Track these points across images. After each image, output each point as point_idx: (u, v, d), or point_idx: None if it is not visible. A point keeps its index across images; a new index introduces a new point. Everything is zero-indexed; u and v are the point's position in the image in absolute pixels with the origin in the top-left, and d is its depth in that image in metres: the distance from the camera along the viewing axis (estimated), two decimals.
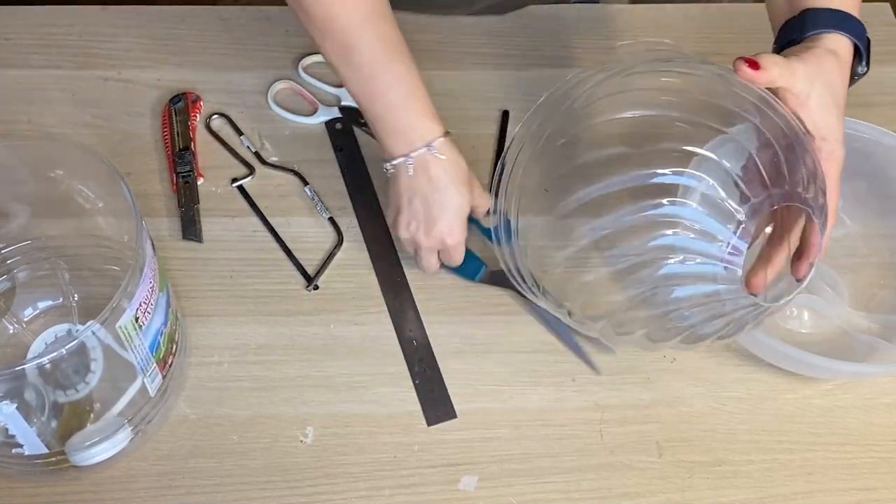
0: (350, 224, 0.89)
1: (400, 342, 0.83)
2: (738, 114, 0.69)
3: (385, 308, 0.84)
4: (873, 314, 0.85)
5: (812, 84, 0.70)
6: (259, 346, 0.82)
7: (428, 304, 0.84)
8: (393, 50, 0.77)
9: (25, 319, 0.79)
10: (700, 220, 0.69)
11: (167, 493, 0.75)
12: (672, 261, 0.70)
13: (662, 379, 0.82)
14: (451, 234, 0.80)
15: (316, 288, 0.85)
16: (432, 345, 0.82)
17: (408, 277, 0.86)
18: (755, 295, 0.71)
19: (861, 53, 0.74)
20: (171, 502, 0.74)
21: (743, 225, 0.68)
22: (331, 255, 0.87)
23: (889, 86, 1.01)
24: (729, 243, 0.68)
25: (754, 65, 0.67)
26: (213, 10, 1.03)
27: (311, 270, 0.86)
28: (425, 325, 0.83)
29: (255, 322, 0.83)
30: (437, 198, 0.78)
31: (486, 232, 0.83)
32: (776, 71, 0.68)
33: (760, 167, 0.68)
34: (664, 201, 0.69)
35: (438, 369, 0.81)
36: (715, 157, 0.69)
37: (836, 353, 0.80)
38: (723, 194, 0.69)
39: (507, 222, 0.76)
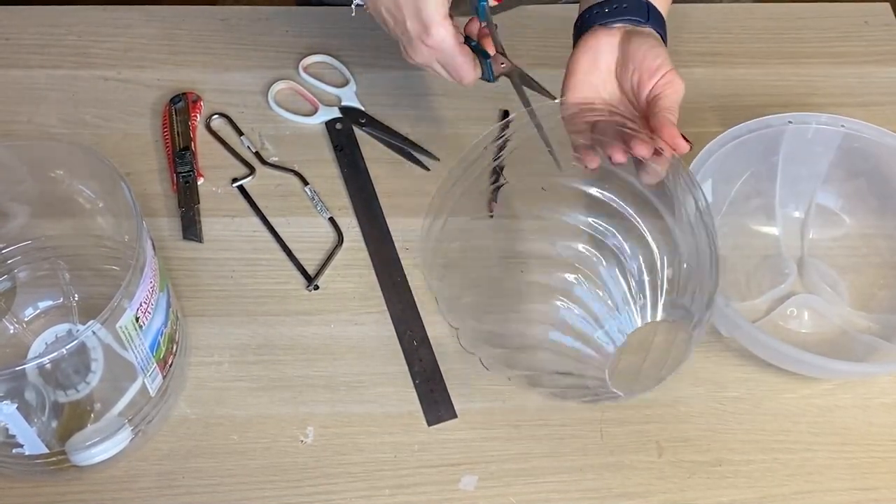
0: (350, 224, 0.89)
1: (400, 342, 0.83)
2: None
3: (385, 308, 0.84)
4: (873, 314, 0.85)
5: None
6: (259, 346, 0.82)
7: (428, 304, 0.84)
8: None
9: (26, 319, 0.79)
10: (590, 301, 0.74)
11: (167, 493, 0.75)
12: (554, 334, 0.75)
13: None
14: (426, 34, 0.75)
15: (316, 288, 0.85)
16: (432, 345, 0.82)
17: (408, 277, 0.86)
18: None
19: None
20: (172, 502, 0.74)
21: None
22: (331, 255, 0.87)
23: (889, 86, 1.02)
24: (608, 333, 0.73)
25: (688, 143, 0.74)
26: (213, 10, 1.03)
27: (311, 270, 0.86)
28: (425, 325, 0.83)
29: (255, 322, 0.83)
30: (403, 4, 0.75)
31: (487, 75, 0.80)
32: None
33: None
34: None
35: (438, 369, 0.81)
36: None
37: (836, 353, 0.80)
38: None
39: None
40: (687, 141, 0.74)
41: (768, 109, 0.88)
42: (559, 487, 0.76)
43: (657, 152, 0.73)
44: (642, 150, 0.72)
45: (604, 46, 0.79)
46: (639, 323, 0.72)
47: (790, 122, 0.87)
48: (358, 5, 0.79)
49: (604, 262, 0.75)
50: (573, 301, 0.75)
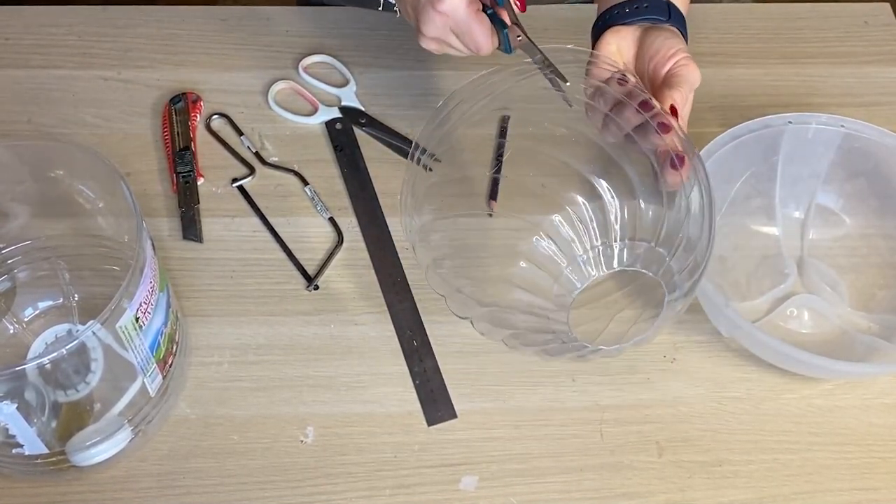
0: (350, 224, 0.89)
1: (400, 342, 0.83)
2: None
3: (385, 308, 0.84)
4: (873, 314, 0.85)
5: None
6: (259, 346, 0.82)
7: (428, 304, 0.84)
8: None
9: (25, 319, 0.79)
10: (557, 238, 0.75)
11: (167, 493, 0.75)
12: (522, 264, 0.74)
13: (662, 379, 0.82)
14: (435, 3, 0.72)
15: (316, 288, 0.85)
16: (432, 345, 0.82)
17: (408, 277, 0.86)
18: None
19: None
20: (172, 502, 0.74)
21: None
22: (331, 255, 0.87)
23: (889, 86, 1.02)
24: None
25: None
26: (213, 10, 1.03)
27: (311, 270, 0.86)
28: (425, 325, 0.83)
29: (255, 322, 0.83)
30: None
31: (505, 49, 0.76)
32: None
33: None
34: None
35: (438, 369, 0.81)
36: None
37: (836, 353, 0.80)
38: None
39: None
40: (674, 114, 0.73)
41: (768, 109, 0.88)
42: (559, 488, 0.76)
43: (676, 163, 0.72)
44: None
45: (624, 42, 0.79)
46: (607, 267, 0.73)
47: (790, 122, 0.87)
48: (390, 4, 0.76)
49: (579, 201, 0.75)
50: (545, 235, 0.74)
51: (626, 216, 0.74)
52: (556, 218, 0.74)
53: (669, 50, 0.77)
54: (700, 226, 0.71)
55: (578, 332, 0.72)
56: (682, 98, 0.75)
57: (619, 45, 0.79)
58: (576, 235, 0.74)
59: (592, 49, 0.80)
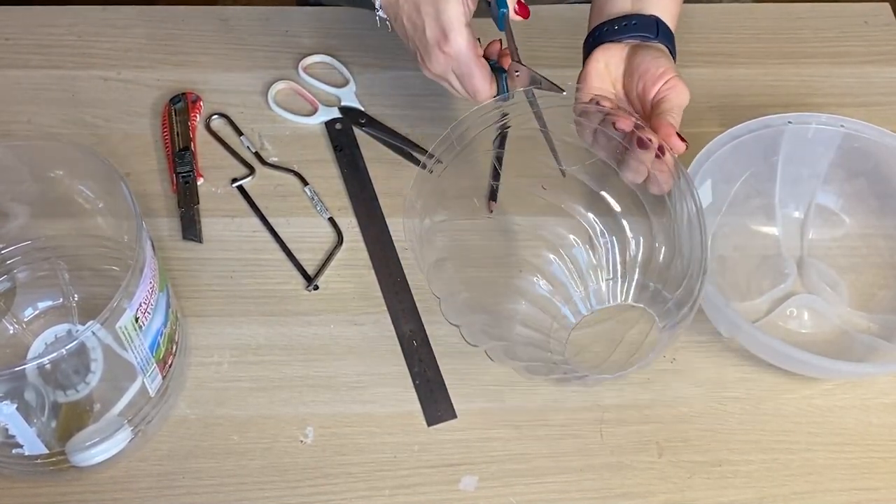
0: (350, 224, 0.89)
1: (400, 342, 0.83)
2: None
3: (385, 308, 0.84)
4: (873, 314, 0.85)
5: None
6: (259, 346, 0.82)
7: (428, 304, 0.84)
8: None
9: (25, 319, 0.79)
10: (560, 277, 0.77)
11: (167, 494, 0.75)
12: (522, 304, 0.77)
13: (662, 379, 0.82)
14: (443, 44, 0.75)
15: (316, 288, 0.85)
16: (432, 345, 0.82)
17: (408, 277, 0.86)
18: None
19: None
20: (172, 502, 0.74)
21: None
22: (331, 255, 0.87)
23: (889, 86, 1.02)
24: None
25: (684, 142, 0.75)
26: (213, 10, 1.03)
27: (311, 270, 0.86)
28: (425, 325, 0.83)
29: (255, 322, 0.83)
30: (424, 14, 0.75)
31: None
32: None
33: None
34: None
35: (438, 369, 0.81)
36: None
37: (836, 353, 0.80)
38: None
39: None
40: (683, 140, 0.74)
41: (768, 109, 0.88)
42: (559, 488, 0.76)
43: (659, 155, 0.73)
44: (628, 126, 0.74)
45: (613, 59, 0.80)
46: (608, 301, 0.75)
47: (790, 122, 0.87)
48: (381, 18, 0.79)
49: (578, 242, 0.77)
50: (545, 277, 0.77)
51: (616, 252, 0.77)
52: (553, 257, 0.78)
53: (658, 69, 0.77)
54: (698, 259, 0.73)
55: (579, 361, 0.74)
56: (675, 123, 0.76)
57: (608, 63, 0.80)
58: (570, 277, 0.77)
59: (583, 64, 0.82)
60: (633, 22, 0.80)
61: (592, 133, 0.77)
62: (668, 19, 0.82)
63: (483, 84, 0.77)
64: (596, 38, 0.82)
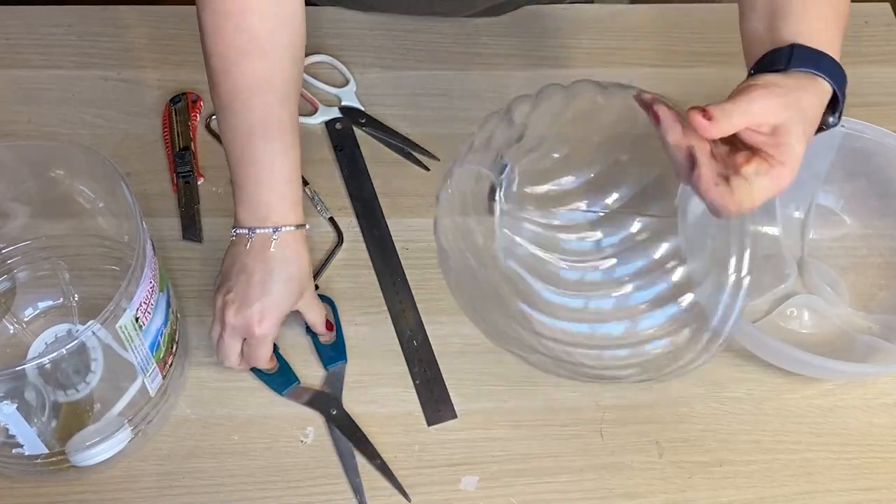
0: (350, 224, 0.89)
1: (400, 342, 0.83)
2: None
3: (385, 308, 0.84)
4: (873, 314, 0.85)
5: (786, 113, 0.63)
6: None
7: (428, 304, 0.84)
8: (275, 127, 0.75)
9: (25, 319, 0.79)
10: None
11: (168, 494, 0.75)
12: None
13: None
14: (260, 322, 0.74)
15: (316, 288, 0.85)
16: (432, 345, 0.82)
17: (408, 277, 0.86)
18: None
19: (837, 102, 0.68)
20: (172, 502, 0.74)
21: None
22: (331, 255, 0.87)
23: (889, 86, 1.02)
24: None
25: (707, 115, 0.61)
26: None
27: None
28: (425, 325, 0.83)
29: None
30: (262, 280, 0.74)
31: (270, 380, 0.79)
32: (727, 123, 0.61)
33: None
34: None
35: (438, 369, 0.81)
36: None
37: (836, 353, 0.80)
38: None
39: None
40: (705, 113, 0.60)
41: None
42: (560, 488, 0.76)
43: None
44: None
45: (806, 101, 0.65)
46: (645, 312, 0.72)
47: None
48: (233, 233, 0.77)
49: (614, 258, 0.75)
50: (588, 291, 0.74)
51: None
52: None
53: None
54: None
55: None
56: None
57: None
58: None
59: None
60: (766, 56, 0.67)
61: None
62: (816, 40, 0.66)
63: (264, 360, 0.77)
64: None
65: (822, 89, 0.67)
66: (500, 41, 1.02)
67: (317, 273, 0.86)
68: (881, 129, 0.86)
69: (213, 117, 0.94)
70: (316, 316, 0.80)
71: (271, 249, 0.75)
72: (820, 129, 0.68)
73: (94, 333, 0.64)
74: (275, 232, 0.75)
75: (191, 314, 0.83)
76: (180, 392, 0.78)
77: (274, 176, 0.75)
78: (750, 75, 0.69)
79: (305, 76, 0.98)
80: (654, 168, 0.74)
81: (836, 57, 0.67)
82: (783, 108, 0.63)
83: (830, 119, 0.69)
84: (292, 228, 0.75)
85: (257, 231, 0.75)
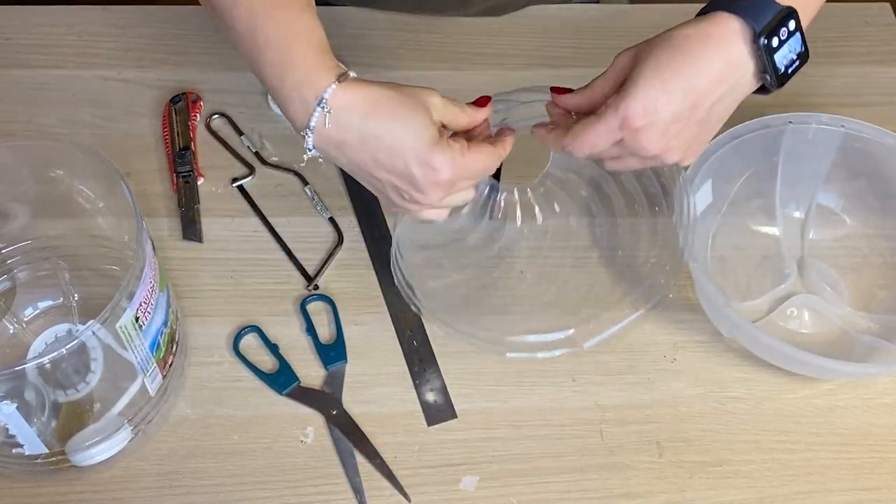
0: (350, 224, 0.89)
1: (400, 342, 0.83)
2: None
3: (385, 308, 0.84)
4: (873, 314, 0.85)
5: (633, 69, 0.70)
6: (259, 347, 0.82)
7: None
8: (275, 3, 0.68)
9: (25, 319, 0.79)
10: None
11: (168, 493, 0.75)
12: None
13: (663, 379, 0.82)
14: (430, 171, 0.66)
15: (316, 288, 0.85)
16: (432, 345, 0.82)
17: None
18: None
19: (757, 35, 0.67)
20: (172, 502, 0.74)
21: None
22: (331, 255, 0.87)
23: (889, 86, 1.01)
24: None
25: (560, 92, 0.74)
26: None
27: (311, 270, 0.86)
28: (425, 325, 0.83)
29: (254, 322, 0.83)
30: (380, 144, 0.66)
31: (270, 379, 0.79)
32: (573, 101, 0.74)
33: None
34: None
35: (438, 369, 0.81)
36: None
37: (836, 353, 0.80)
38: None
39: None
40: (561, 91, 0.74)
41: (768, 109, 0.87)
42: (560, 488, 0.76)
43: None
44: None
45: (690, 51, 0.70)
46: None
47: (790, 122, 0.87)
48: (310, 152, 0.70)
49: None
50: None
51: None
52: None
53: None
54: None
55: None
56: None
57: None
58: None
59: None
60: None
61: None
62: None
63: (493, 162, 0.71)
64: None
65: (721, 28, 0.67)
66: (500, 41, 1.02)
67: (317, 273, 0.86)
68: (881, 129, 0.86)
69: (213, 117, 0.94)
70: (457, 116, 0.70)
71: (344, 121, 0.66)
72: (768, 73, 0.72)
73: (94, 333, 0.64)
74: (322, 110, 0.66)
75: (191, 314, 0.83)
76: (180, 392, 0.78)
77: (286, 48, 0.68)
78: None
79: None
80: None
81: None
82: (624, 70, 0.71)
83: (761, 41, 0.68)
84: (335, 86, 0.66)
85: (312, 123, 0.66)
